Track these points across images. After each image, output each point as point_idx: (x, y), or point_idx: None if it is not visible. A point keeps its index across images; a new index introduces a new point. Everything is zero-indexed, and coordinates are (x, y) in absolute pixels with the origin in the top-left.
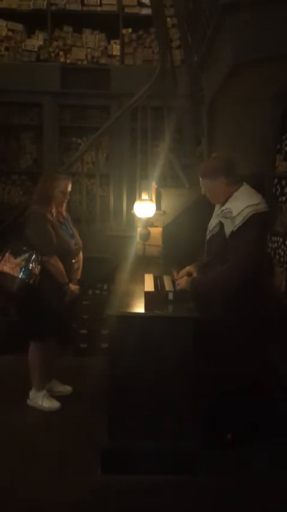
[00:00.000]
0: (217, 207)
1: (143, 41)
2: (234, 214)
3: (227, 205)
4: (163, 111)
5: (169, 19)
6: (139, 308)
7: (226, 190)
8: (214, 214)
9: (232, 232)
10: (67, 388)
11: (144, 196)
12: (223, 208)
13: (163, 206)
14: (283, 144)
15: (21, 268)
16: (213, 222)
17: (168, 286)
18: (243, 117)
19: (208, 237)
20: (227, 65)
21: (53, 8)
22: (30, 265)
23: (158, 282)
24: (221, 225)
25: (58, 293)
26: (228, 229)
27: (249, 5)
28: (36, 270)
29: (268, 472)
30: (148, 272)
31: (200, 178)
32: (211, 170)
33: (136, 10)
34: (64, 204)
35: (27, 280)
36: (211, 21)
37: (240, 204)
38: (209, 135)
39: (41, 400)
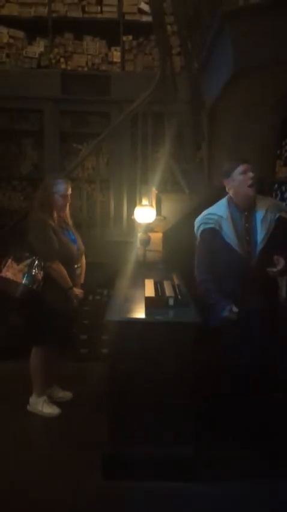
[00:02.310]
0: (243, 216)
1: (143, 48)
2: (284, 206)
3: (265, 204)
4: (163, 117)
5: (169, 26)
6: (140, 313)
7: None
8: (248, 223)
9: None
10: (67, 394)
11: (144, 201)
12: (267, 207)
13: (163, 212)
14: (283, 149)
15: (24, 274)
16: (263, 226)
17: (168, 291)
18: (243, 123)
19: (261, 245)
20: (227, 72)
21: (54, 15)
22: (33, 270)
23: (158, 288)
24: (278, 220)
25: (61, 298)
26: None
27: (249, 12)
28: (39, 276)
29: (269, 477)
30: (148, 277)
31: (247, 163)
32: None
33: (137, 17)
34: (67, 210)
35: (30, 286)
36: (211, 29)
37: (274, 199)
38: (209, 140)
39: (41, 406)
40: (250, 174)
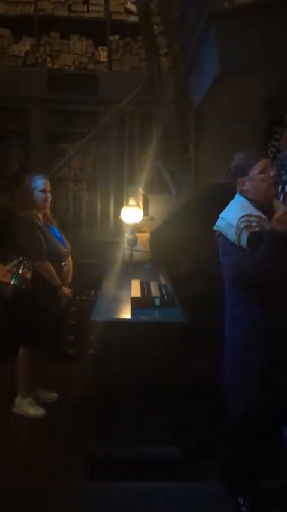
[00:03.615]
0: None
1: (130, 47)
2: None
3: (277, 202)
4: (151, 118)
5: (156, 26)
6: (126, 314)
7: None
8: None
9: None
10: (53, 395)
11: (131, 202)
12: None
13: (150, 212)
14: (269, 151)
15: (12, 275)
16: None
17: (155, 291)
18: (230, 123)
19: None
20: (213, 73)
21: (40, 13)
22: (21, 270)
23: (145, 288)
24: None
25: (51, 297)
26: None
27: (235, 14)
28: (28, 275)
29: None
30: (135, 278)
31: (266, 159)
32: None
33: (123, 17)
34: (48, 209)
35: (19, 286)
36: (197, 30)
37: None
38: (196, 141)
39: (27, 408)
40: (272, 173)
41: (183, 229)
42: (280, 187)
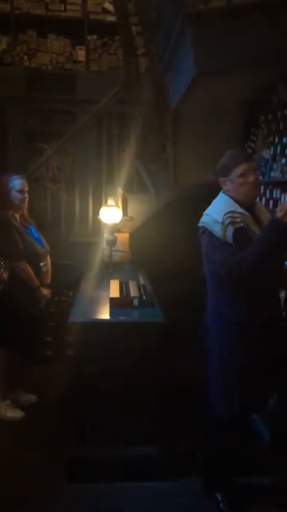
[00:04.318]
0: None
1: (108, 47)
2: None
3: (259, 204)
4: (129, 118)
5: (133, 27)
6: (104, 314)
7: None
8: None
9: None
10: (32, 397)
11: (110, 202)
12: (262, 206)
13: (130, 212)
14: (246, 151)
15: None
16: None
17: (133, 292)
18: (207, 124)
19: None
20: (189, 74)
21: (17, 11)
22: None
23: (123, 288)
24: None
25: (29, 298)
26: None
27: (211, 15)
28: (5, 276)
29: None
30: (114, 278)
31: (250, 161)
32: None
33: (101, 17)
34: (25, 209)
35: None
36: (173, 31)
37: None
38: (173, 141)
39: (5, 410)
40: (251, 178)
41: (163, 229)
42: None
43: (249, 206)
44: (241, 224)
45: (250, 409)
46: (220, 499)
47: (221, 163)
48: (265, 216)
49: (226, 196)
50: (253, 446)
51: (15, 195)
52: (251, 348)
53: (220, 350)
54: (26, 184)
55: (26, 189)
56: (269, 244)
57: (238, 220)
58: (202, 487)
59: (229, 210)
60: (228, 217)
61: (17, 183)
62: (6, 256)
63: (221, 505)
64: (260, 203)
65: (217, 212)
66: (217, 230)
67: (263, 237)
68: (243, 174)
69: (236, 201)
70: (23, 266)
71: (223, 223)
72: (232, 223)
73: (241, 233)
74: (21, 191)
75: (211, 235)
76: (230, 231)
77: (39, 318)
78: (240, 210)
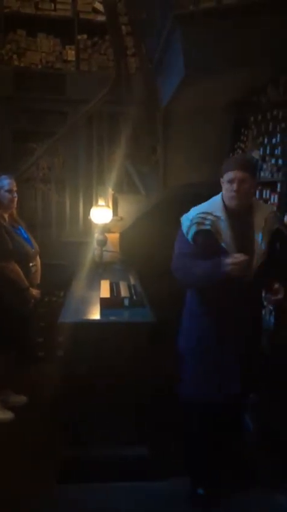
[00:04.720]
0: (237, 222)
1: (98, 47)
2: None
3: (264, 210)
4: (119, 118)
5: (123, 27)
6: (95, 315)
7: (253, 194)
8: (243, 229)
9: None
10: (22, 398)
11: (101, 202)
12: (267, 215)
13: (120, 212)
14: (236, 152)
15: None
16: (259, 236)
17: (124, 292)
18: (197, 125)
19: (262, 258)
20: (179, 74)
21: (6, 10)
22: None
23: (114, 288)
24: (277, 232)
25: (17, 299)
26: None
27: (201, 16)
28: None
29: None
30: (105, 278)
31: (242, 173)
32: (254, 167)
33: (91, 16)
34: (14, 209)
35: None
36: (164, 31)
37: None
38: (164, 142)
39: None
40: (235, 187)
41: (152, 229)
42: None
43: (238, 211)
44: (207, 227)
45: (208, 394)
46: (201, 493)
47: (223, 165)
48: (258, 225)
49: (219, 196)
50: (238, 438)
51: (4, 195)
52: (206, 337)
53: (182, 341)
54: (15, 184)
55: (15, 188)
56: (203, 275)
57: (207, 222)
58: (191, 485)
59: (205, 210)
60: (199, 217)
61: (5, 182)
62: None
63: (201, 500)
64: (264, 207)
65: (196, 210)
66: (185, 227)
67: (203, 267)
68: (230, 181)
69: (225, 204)
70: (12, 266)
71: (191, 221)
72: (197, 223)
73: (201, 236)
74: (9, 191)
75: (180, 229)
76: (192, 230)
77: (28, 318)
78: (219, 213)
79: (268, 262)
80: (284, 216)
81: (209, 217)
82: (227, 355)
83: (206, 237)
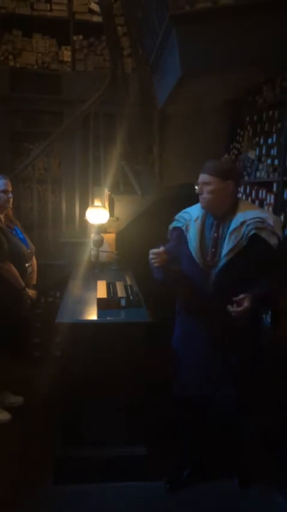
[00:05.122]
0: (208, 222)
1: (94, 48)
2: (271, 223)
3: (246, 215)
4: (115, 118)
5: (119, 27)
6: (92, 315)
7: (231, 198)
8: (209, 229)
9: (279, 243)
10: (19, 399)
11: (97, 202)
12: (241, 219)
13: (116, 212)
14: (232, 152)
15: None
16: (232, 238)
17: (120, 292)
18: (193, 125)
19: (226, 256)
20: (175, 74)
21: (2, 11)
22: None
23: (110, 288)
24: (253, 238)
25: (14, 299)
26: (273, 240)
27: (196, 16)
28: None
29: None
30: (101, 278)
31: (207, 175)
32: (224, 169)
33: (87, 17)
34: (10, 210)
35: None
36: (160, 31)
37: (261, 212)
38: (160, 143)
39: None
40: (199, 190)
41: (148, 229)
42: (242, 188)
43: (216, 214)
44: (180, 224)
45: (192, 390)
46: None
47: None
48: (232, 228)
49: None
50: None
51: (0, 196)
52: (187, 336)
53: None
54: (10, 184)
55: (10, 189)
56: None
57: (181, 220)
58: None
59: (187, 210)
60: (180, 215)
61: (3, 183)
62: None
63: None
64: (251, 212)
65: (185, 209)
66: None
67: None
68: (199, 183)
69: None
70: (7, 266)
71: (175, 218)
72: (176, 220)
73: (173, 232)
74: (4, 191)
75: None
76: (171, 226)
77: (25, 318)
78: (195, 214)
79: (236, 270)
80: (280, 216)
81: (186, 216)
82: (193, 355)
83: (179, 235)
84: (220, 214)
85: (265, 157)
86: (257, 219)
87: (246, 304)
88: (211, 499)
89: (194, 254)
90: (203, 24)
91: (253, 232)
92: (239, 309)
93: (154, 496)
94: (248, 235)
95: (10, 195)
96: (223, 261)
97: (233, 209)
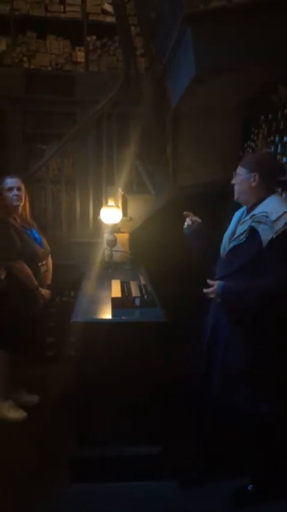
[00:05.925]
0: (238, 214)
1: (107, 48)
2: (273, 218)
3: (259, 209)
4: (128, 118)
5: (133, 27)
6: (106, 314)
7: (256, 191)
8: (235, 220)
9: (272, 239)
10: (34, 398)
11: (110, 202)
12: (253, 212)
13: (130, 212)
14: (245, 152)
15: None
16: (238, 229)
17: (135, 292)
18: (206, 124)
19: (229, 246)
20: (189, 74)
21: (16, 13)
22: None
23: (125, 288)
24: (251, 231)
25: (26, 299)
26: (266, 236)
27: (210, 15)
28: (2, 276)
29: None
30: (115, 278)
31: (238, 167)
32: (250, 161)
33: (100, 18)
34: (27, 211)
35: None
36: (173, 31)
37: (278, 208)
38: (173, 142)
39: (7, 411)
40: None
41: (162, 229)
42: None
43: (245, 205)
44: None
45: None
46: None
47: None
48: (240, 224)
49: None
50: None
51: (6, 194)
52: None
53: None
54: (19, 182)
55: (18, 186)
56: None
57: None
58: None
59: None
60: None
61: (8, 182)
62: (2, 255)
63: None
64: (269, 209)
65: None
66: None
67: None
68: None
69: None
70: (19, 265)
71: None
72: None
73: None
74: (10, 189)
75: None
76: None
77: (38, 318)
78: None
79: (232, 261)
80: None
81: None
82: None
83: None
84: (248, 207)
85: (280, 156)
86: (264, 213)
87: (215, 287)
88: (224, 500)
89: (223, 242)
90: (217, 23)
91: (251, 225)
92: (207, 290)
93: (168, 496)
94: (246, 228)
95: (15, 191)
96: (225, 252)
97: (259, 203)
